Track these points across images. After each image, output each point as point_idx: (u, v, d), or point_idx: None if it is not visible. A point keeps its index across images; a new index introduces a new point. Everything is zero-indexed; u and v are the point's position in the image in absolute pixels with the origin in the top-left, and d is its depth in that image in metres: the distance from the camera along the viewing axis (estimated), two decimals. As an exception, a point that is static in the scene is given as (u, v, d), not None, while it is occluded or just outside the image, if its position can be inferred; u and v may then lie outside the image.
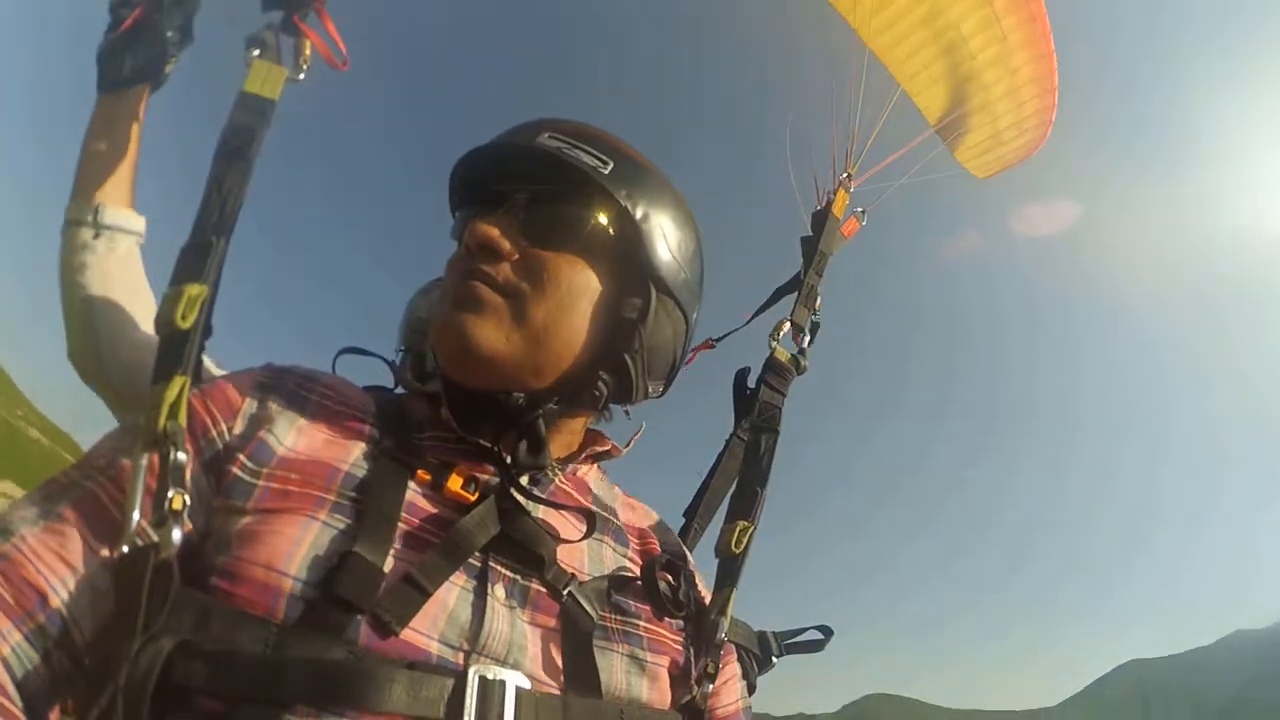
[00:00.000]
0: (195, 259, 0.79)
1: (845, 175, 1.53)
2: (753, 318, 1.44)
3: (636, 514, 1.03)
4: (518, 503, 0.80)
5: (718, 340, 1.47)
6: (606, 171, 0.84)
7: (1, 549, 0.64)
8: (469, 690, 0.65)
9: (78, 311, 1.10)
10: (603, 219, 0.85)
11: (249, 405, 0.78)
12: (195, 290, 0.76)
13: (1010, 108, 2.09)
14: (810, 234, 1.47)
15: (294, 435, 0.77)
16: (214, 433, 0.75)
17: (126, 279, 1.13)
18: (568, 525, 0.85)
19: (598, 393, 0.86)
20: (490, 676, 0.66)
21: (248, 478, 0.72)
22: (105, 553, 0.66)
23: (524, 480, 0.83)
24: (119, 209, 1.13)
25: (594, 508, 0.93)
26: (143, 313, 1.12)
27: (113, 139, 1.12)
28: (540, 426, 0.83)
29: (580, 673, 0.75)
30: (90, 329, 1.10)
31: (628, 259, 0.86)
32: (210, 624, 0.62)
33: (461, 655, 0.69)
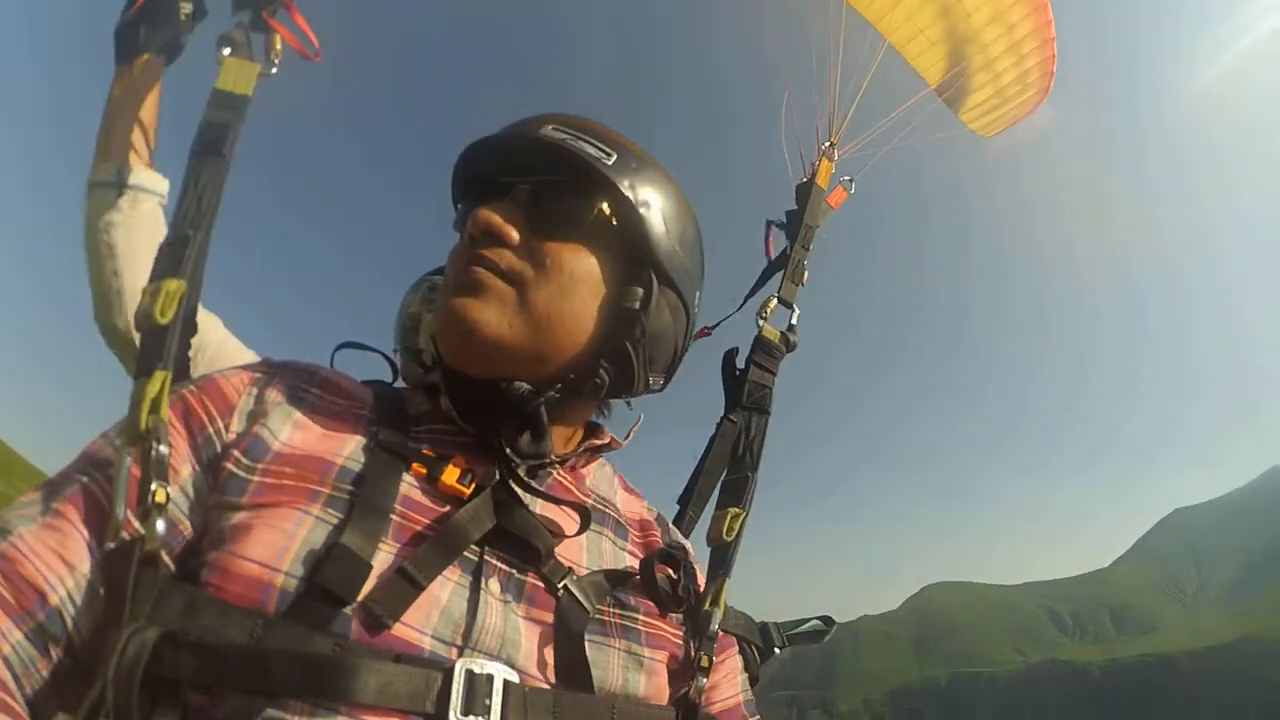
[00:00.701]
0: (172, 255, 0.81)
1: (828, 144, 1.50)
2: (746, 300, 1.42)
3: (638, 505, 1.02)
4: (515, 495, 0.79)
5: (713, 327, 1.45)
6: (610, 162, 0.83)
7: (0, 548, 0.65)
8: (455, 683, 0.64)
9: (103, 271, 1.15)
10: (605, 208, 0.84)
11: (245, 401, 0.78)
12: (173, 285, 0.78)
13: (1012, 63, 2.03)
14: (795, 208, 1.45)
15: (289, 430, 0.76)
16: (211, 430, 0.75)
17: (151, 237, 1.15)
18: (567, 519, 0.84)
19: (599, 381, 0.86)
20: (478, 670, 0.66)
21: (242, 474, 0.71)
22: (100, 547, 0.66)
23: (522, 472, 0.82)
24: (141, 169, 1.17)
25: (592, 501, 0.92)
26: None
27: (132, 106, 1.16)
28: (543, 414, 0.83)
29: (572, 667, 0.74)
30: (115, 288, 1.14)
31: (630, 249, 0.86)
32: (197, 614, 0.62)
33: (454, 650, 0.68)
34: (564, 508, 0.85)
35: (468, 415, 0.83)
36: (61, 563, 0.65)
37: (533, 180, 0.84)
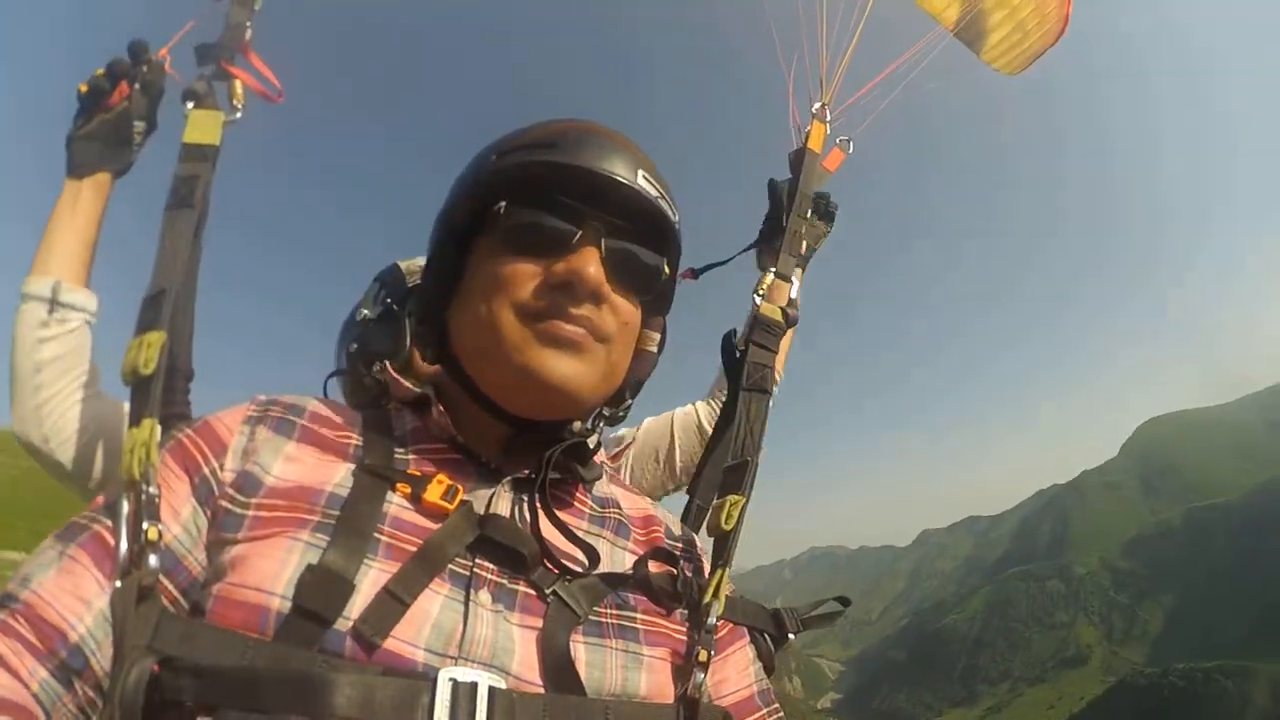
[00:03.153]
0: (152, 308, 0.86)
1: (820, 106, 1.43)
2: (737, 255, 1.42)
3: (642, 502, 1.03)
4: (534, 513, 0.83)
5: (700, 272, 1.44)
6: (679, 228, 0.91)
7: (23, 597, 0.70)
8: (439, 693, 0.65)
9: (25, 387, 1.16)
10: (666, 270, 0.93)
11: (238, 440, 0.81)
12: (153, 337, 0.83)
13: (1028, -4, 1.90)
14: (790, 177, 1.38)
15: (281, 463, 0.79)
16: (206, 471, 0.79)
17: (75, 355, 1.20)
18: (567, 519, 0.87)
19: (623, 413, 0.98)
20: (461, 679, 0.66)
21: (237, 509, 0.75)
22: (110, 584, 0.71)
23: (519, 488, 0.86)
24: (75, 288, 1.20)
25: (593, 504, 0.95)
26: (83, 389, 1.19)
27: (76, 221, 1.19)
28: (590, 446, 0.92)
29: (562, 672, 0.74)
30: (35, 403, 1.16)
31: (661, 301, 0.97)
32: (194, 641, 0.66)
33: (449, 661, 0.69)
34: (562, 512, 0.89)
35: (509, 450, 0.88)
36: (79, 602, 0.70)
37: (610, 223, 0.85)
